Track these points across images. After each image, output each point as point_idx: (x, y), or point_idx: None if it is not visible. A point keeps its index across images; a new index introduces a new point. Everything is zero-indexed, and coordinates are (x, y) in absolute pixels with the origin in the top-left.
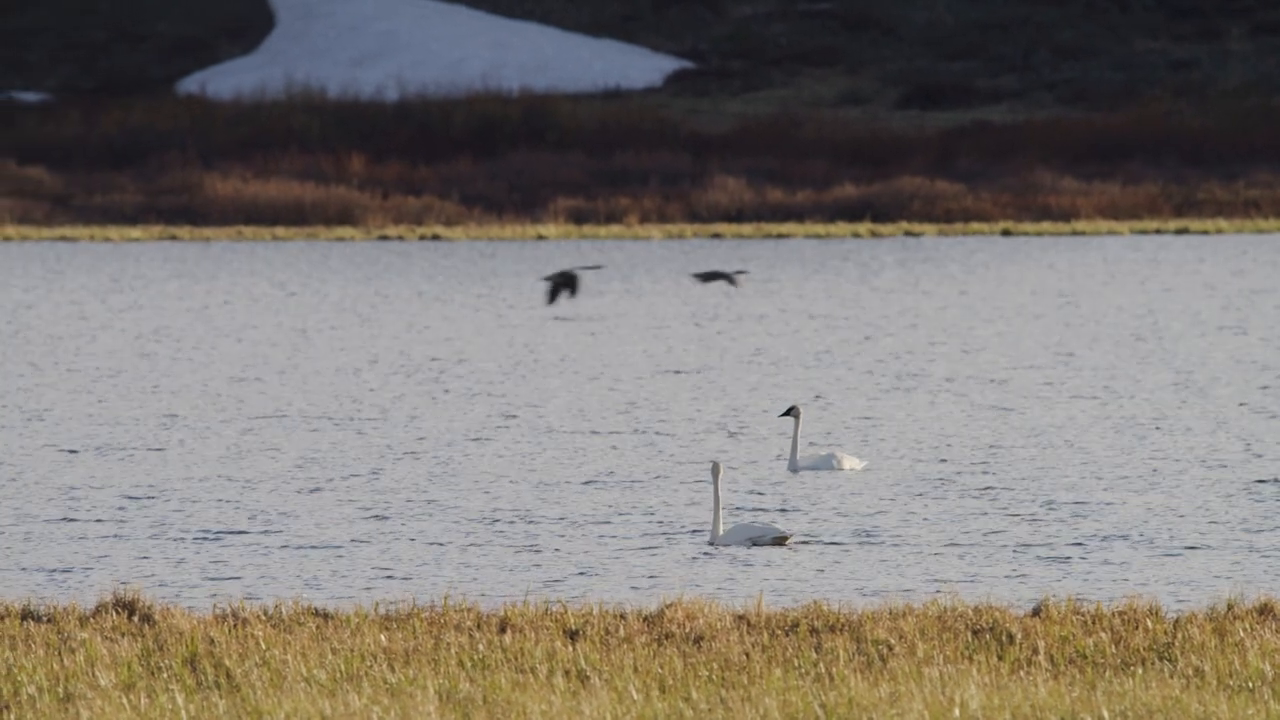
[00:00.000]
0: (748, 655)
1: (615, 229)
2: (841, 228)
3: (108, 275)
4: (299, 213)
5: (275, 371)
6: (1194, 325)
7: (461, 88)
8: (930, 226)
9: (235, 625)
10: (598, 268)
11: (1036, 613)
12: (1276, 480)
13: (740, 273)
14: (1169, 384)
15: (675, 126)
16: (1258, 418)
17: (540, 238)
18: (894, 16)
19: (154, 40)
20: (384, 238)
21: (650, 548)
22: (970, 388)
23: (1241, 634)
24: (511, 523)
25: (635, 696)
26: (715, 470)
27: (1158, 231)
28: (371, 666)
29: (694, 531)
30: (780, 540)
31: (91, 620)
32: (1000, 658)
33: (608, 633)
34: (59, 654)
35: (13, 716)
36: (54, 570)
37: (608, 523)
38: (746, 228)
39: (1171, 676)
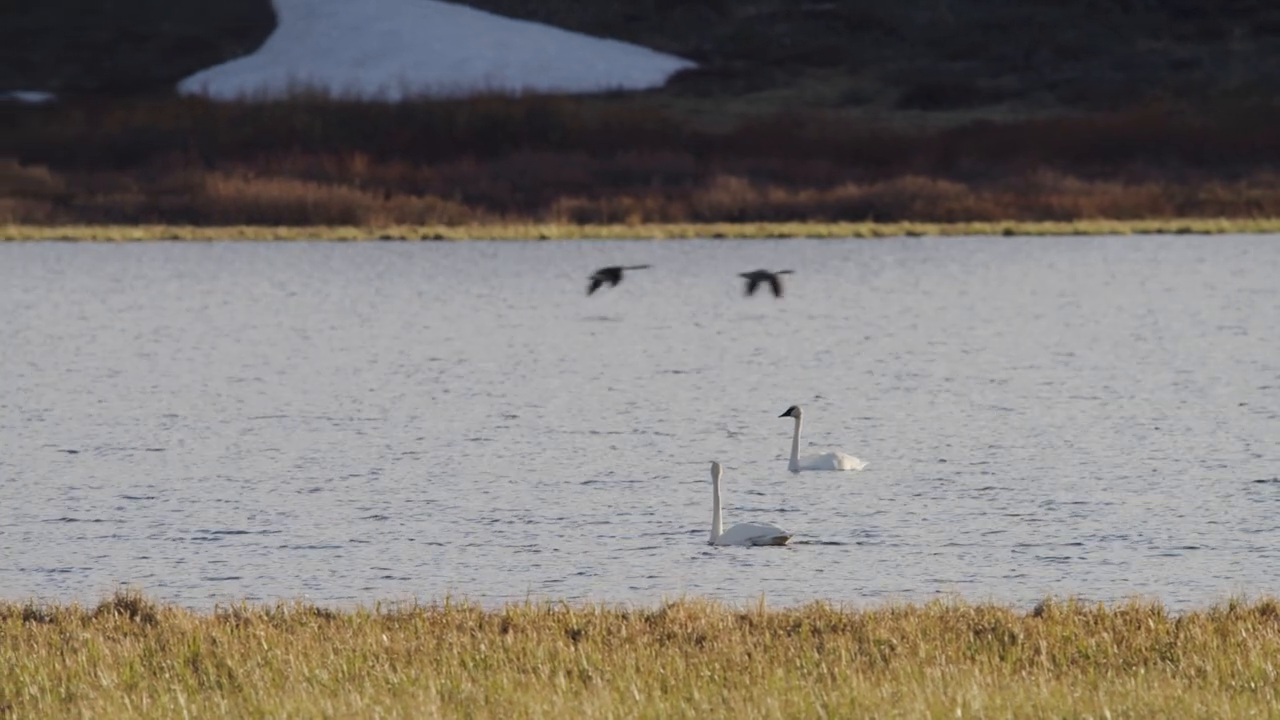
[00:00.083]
0: (750, 655)
1: (618, 229)
2: (844, 228)
3: (109, 275)
4: (301, 213)
5: (275, 371)
6: (1194, 325)
7: (464, 88)
8: (932, 226)
9: (237, 625)
10: (645, 267)
11: (1038, 613)
12: (1276, 480)
13: (786, 272)
14: (1169, 384)
15: (678, 126)
16: (1258, 418)
17: (543, 238)
18: (896, 16)
19: (157, 40)
20: (386, 238)
21: (650, 548)
22: (970, 388)
23: (1244, 634)
24: (511, 523)
25: (637, 697)
26: (715, 470)
27: (1159, 231)
28: (373, 666)
29: (694, 531)
30: (780, 540)
31: (93, 620)
32: (1002, 658)
33: (610, 633)
34: (61, 654)
35: (15, 717)
36: (55, 570)
37: (608, 523)
38: (749, 228)
39: (1174, 676)
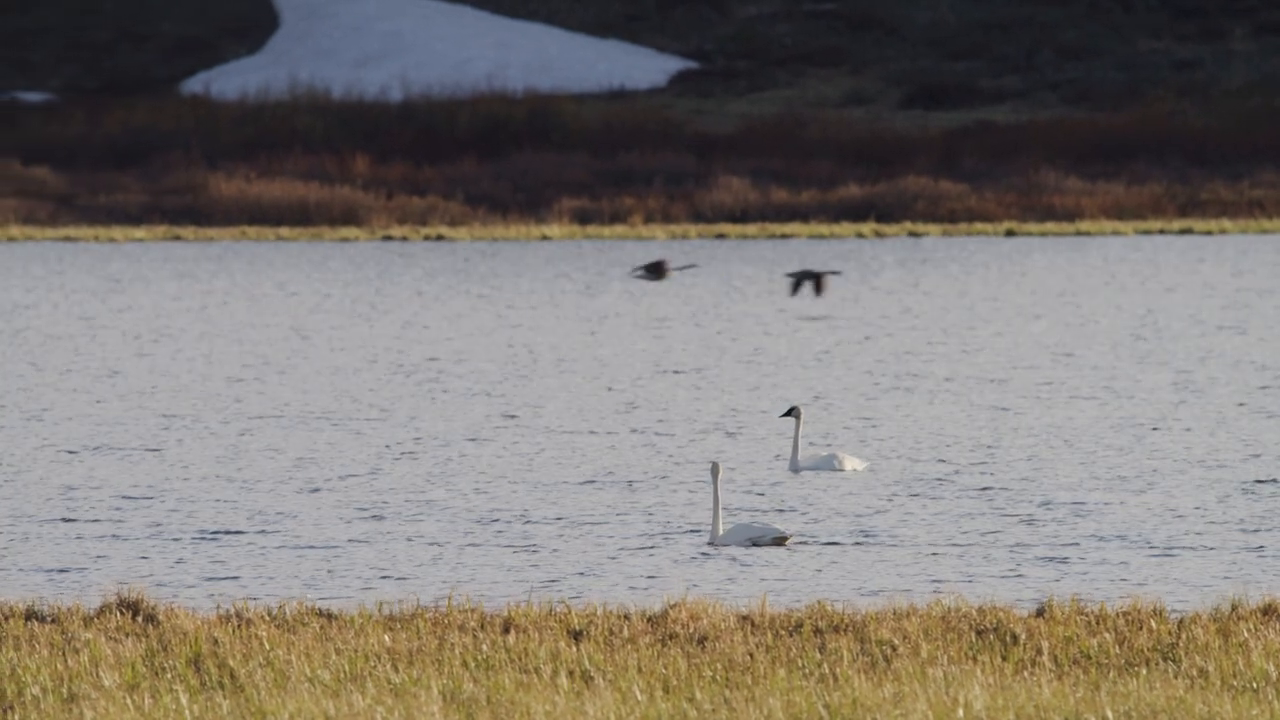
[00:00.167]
0: (752, 656)
1: (620, 229)
2: (846, 228)
3: (110, 275)
4: (303, 213)
5: (275, 371)
6: (1195, 325)
7: (466, 88)
8: (934, 227)
9: (239, 626)
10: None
11: (1040, 613)
12: (1276, 480)
13: (833, 273)
14: (1169, 384)
15: (680, 127)
16: (1258, 418)
17: (545, 238)
18: (898, 16)
19: (158, 40)
20: (388, 238)
21: (650, 548)
22: (971, 388)
23: (1245, 634)
24: (511, 523)
25: (639, 697)
26: (715, 470)
27: (1161, 232)
28: (375, 667)
29: (694, 531)
30: (780, 540)
31: (95, 621)
32: (1004, 658)
33: (612, 633)
34: (63, 654)
35: (17, 717)
36: (57, 570)
37: (608, 523)
38: (751, 228)
39: (1175, 677)
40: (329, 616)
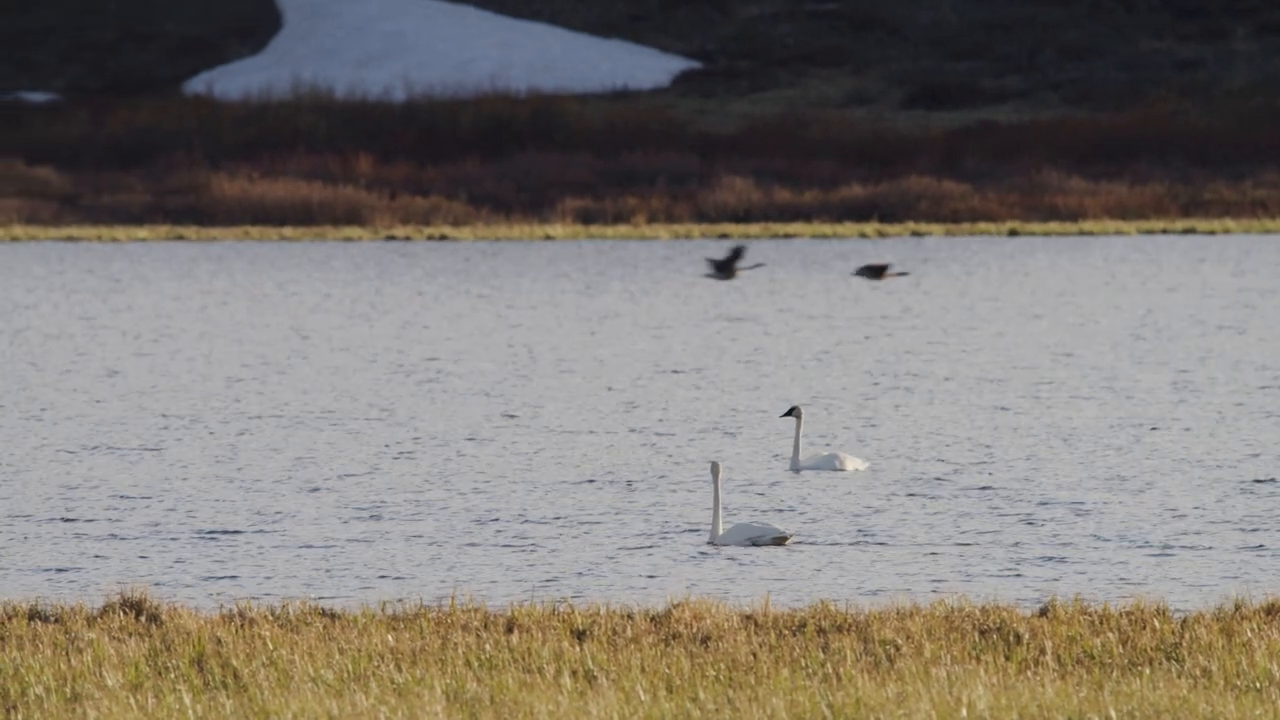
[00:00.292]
0: (755, 655)
1: (623, 229)
2: (848, 228)
3: (112, 275)
4: (306, 213)
5: (276, 371)
6: (1195, 325)
7: (469, 88)
8: (937, 226)
9: (242, 625)
10: (905, 274)
11: (1044, 613)
12: (1276, 480)
13: (901, 274)
14: (1169, 384)
15: (682, 127)
16: (1258, 418)
17: (548, 238)
18: (900, 16)
19: (161, 40)
20: (391, 238)
21: (650, 548)
22: (971, 388)
23: (1249, 634)
24: (511, 522)
25: (643, 697)
26: (715, 470)
27: (1164, 232)
28: (379, 666)
29: (694, 531)
30: (780, 540)
31: (99, 620)
32: (1007, 658)
33: (615, 633)
34: (66, 654)
35: (20, 716)
36: (60, 570)
37: (608, 523)
38: (754, 228)
39: (1179, 677)
40: (332, 616)
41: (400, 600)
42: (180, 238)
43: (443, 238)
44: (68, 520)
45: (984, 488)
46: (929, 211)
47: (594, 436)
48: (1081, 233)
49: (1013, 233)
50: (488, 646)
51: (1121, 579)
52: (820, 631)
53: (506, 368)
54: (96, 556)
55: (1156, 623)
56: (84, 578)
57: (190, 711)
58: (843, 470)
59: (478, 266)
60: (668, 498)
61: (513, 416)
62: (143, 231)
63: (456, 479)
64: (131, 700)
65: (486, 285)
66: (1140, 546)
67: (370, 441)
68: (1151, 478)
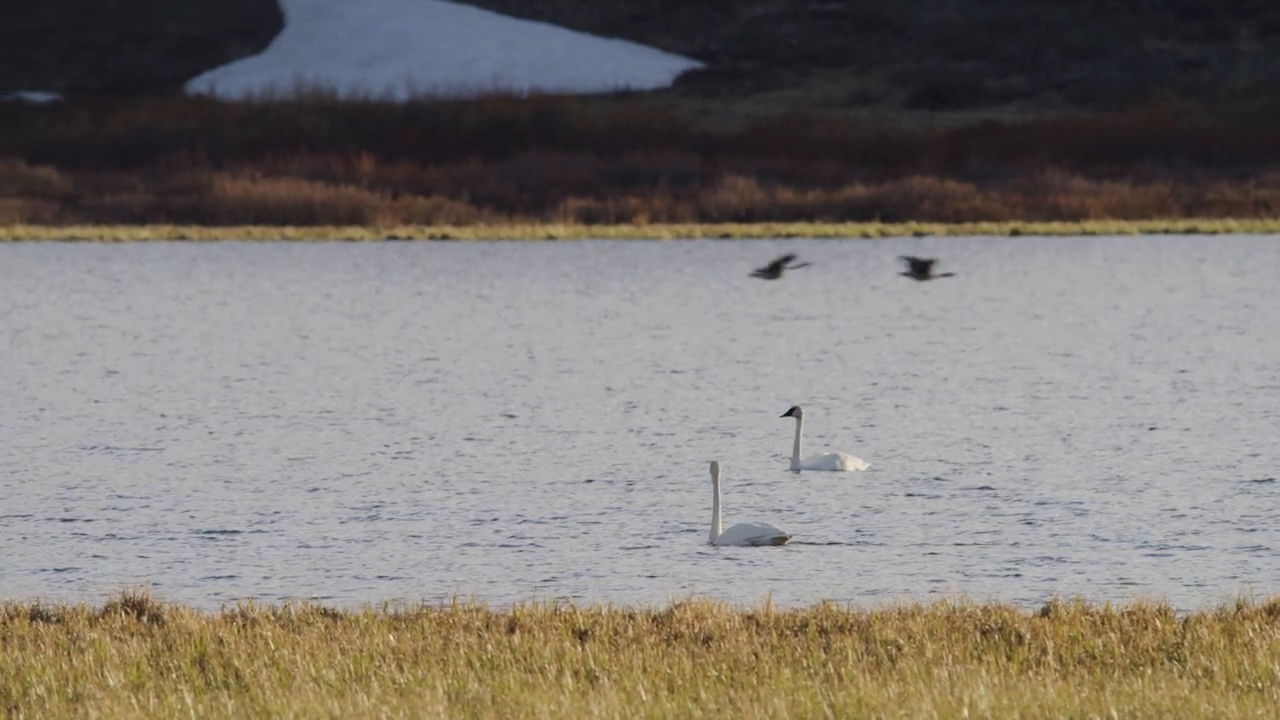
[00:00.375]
0: (756, 655)
1: (625, 229)
2: (851, 228)
3: (114, 275)
4: (308, 213)
5: (276, 371)
6: (1196, 325)
7: (471, 88)
8: (940, 226)
9: (244, 625)
10: (806, 264)
11: (1045, 613)
12: (1276, 480)
13: (947, 274)
14: (1169, 383)
15: (685, 127)
16: (1258, 418)
17: (550, 238)
18: (903, 16)
19: (162, 40)
20: (393, 238)
21: (650, 548)
22: (971, 388)
23: (1251, 634)
24: (510, 522)
25: (644, 697)
26: (714, 470)
27: (1167, 232)
28: (380, 667)
29: (694, 531)
30: (780, 540)
31: (100, 620)
32: (1009, 658)
33: (617, 633)
34: (68, 654)
35: (22, 716)
36: (62, 570)
37: (608, 523)
38: (756, 228)
39: (1180, 677)
40: (334, 616)
41: (402, 600)
42: (182, 238)
43: (445, 238)
44: (69, 520)
45: (984, 488)
46: (932, 212)
47: (594, 436)
48: (1084, 233)
49: (1015, 233)
50: (489, 647)
51: (1121, 579)
52: (822, 631)
53: (506, 368)
54: (98, 557)
55: (1158, 623)
56: (85, 578)
57: (192, 711)
58: (843, 470)
59: (478, 266)
60: (667, 498)
61: (512, 416)
62: (145, 232)
63: (456, 479)
64: (133, 700)
65: (486, 285)
66: (1140, 547)
67: (370, 441)
68: (1151, 477)
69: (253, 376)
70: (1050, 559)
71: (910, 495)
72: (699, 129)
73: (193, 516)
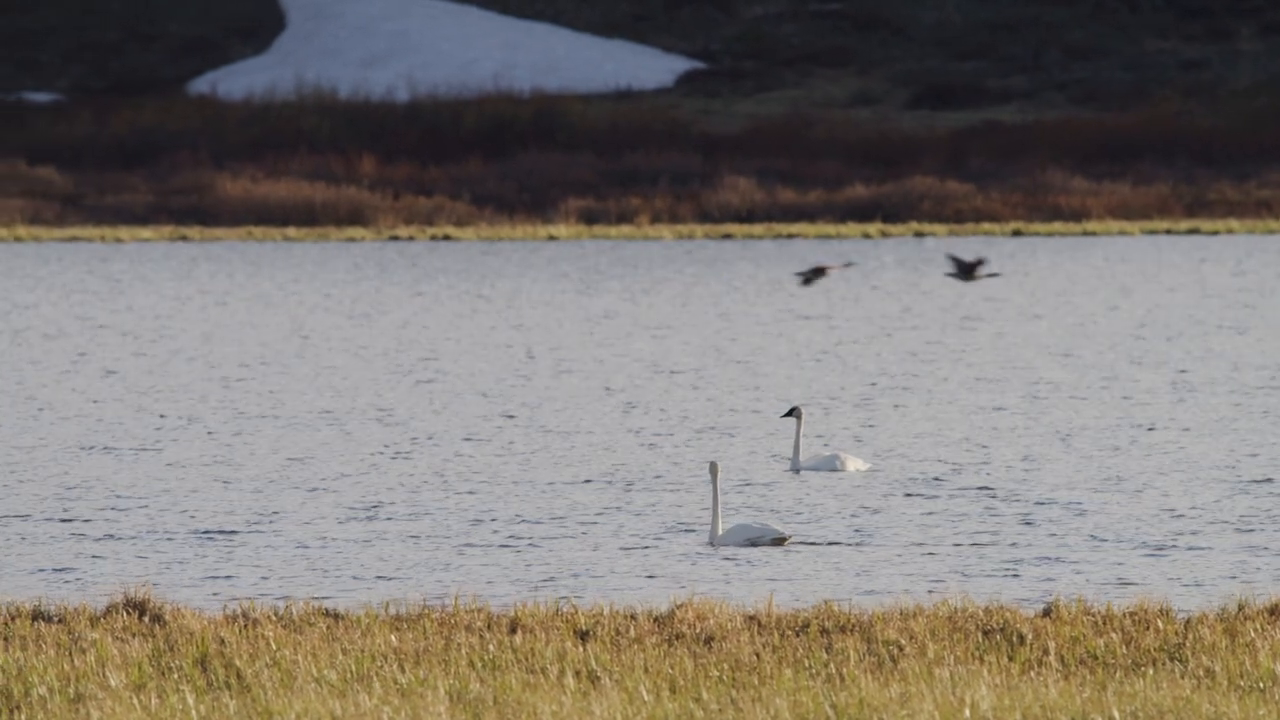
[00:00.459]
0: (758, 656)
1: (626, 229)
2: (852, 228)
3: (114, 275)
4: (310, 213)
5: (276, 371)
6: (1196, 325)
7: (472, 88)
8: (941, 227)
9: (246, 626)
10: (851, 264)
11: (1047, 613)
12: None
13: (993, 274)
14: (1169, 383)
15: (686, 127)
16: (1259, 418)
17: (551, 238)
18: (904, 17)
19: (165, 40)
20: (395, 238)
21: (649, 548)
22: (971, 388)
23: (1252, 634)
24: (510, 523)
25: (646, 697)
26: (714, 470)
27: (1168, 232)
28: (382, 667)
29: (693, 532)
30: (779, 541)
31: (102, 620)
32: (1011, 658)
33: (618, 633)
34: (70, 654)
35: (24, 717)
36: (64, 571)
37: (607, 523)
38: (757, 228)
39: (1182, 677)
40: (335, 616)
41: (403, 601)
42: (184, 238)
43: (446, 238)
44: (71, 521)
45: (984, 488)
46: (933, 212)
47: (593, 436)
48: (1085, 233)
49: (1016, 233)
50: (491, 647)
51: (1121, 579)
52: (824, 632)
53: (506, 368)
54: (98, 557)
55: (1160, 623)
56: (87, 578)
57: (193, 712)
58: (843, 471)
59: (478, 267)
60: (667, 498)
61: (511, 416)
62: (146, 232)
63: (455, 479)
64: (135, 700)
65: (487, 285)
66: (1140, 547)
67: (369, 441)
68: (1151, 477)
69: (252, 376)
70: (1050, 559)
71: (910, 495)
72: (700, 129)
73: (192, 516)
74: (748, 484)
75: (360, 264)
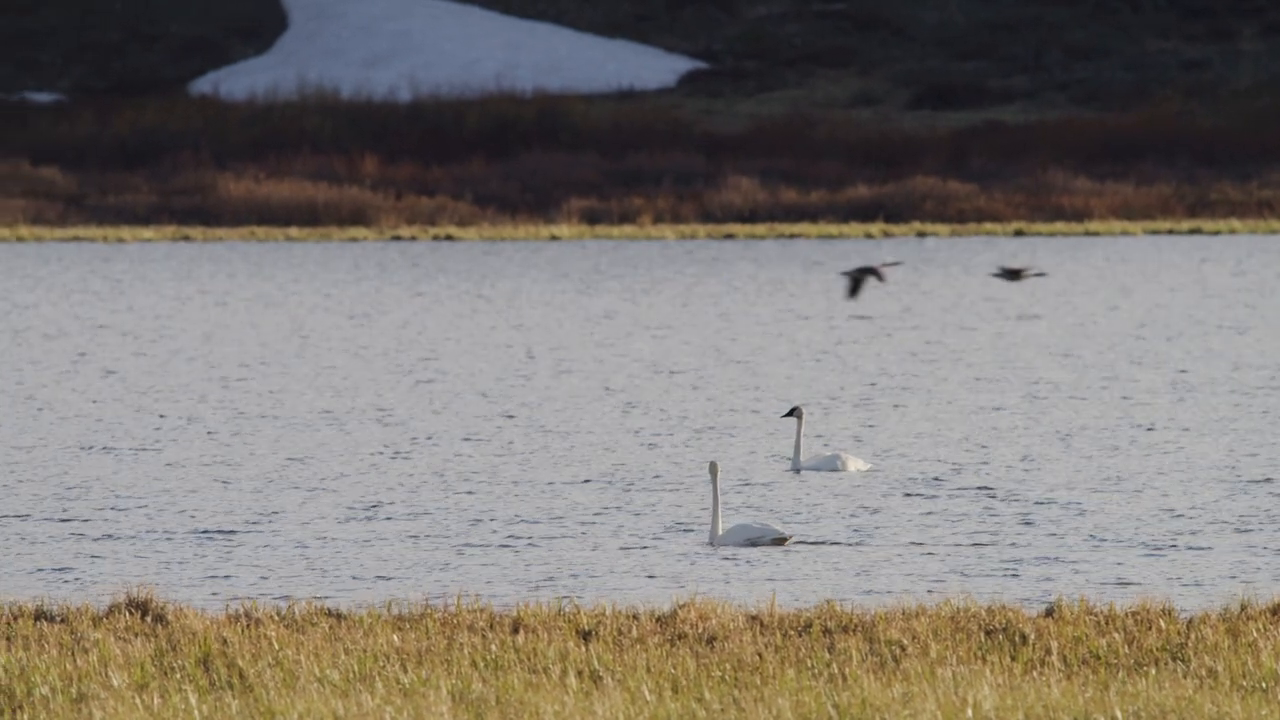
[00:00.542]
0: (761, 656)
1: (628, 229)
2: (854, 228)
3: (115, 275)
4: (312, 213)
5: (277, 371)
6: (1196, 325)
7: (475, 88)
8: (943, 227)
9: (248, 625)
10: (898, 264)
11: (1049, 613)
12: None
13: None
14: (1169, 383)
15: (689, 127)
16: (1260, 417)
17: (553, 238)
18: (906, 17)
19: (166, 40)
20: (397, 238)
21: (649, 548)
22: (971, 388)
23: (1255, 634)
24: (510, 523)
25: (648, 697)
26: (714, 470)
27: (1170, 232)
28: (384, 667)
29: (693, 532)
30: (780, 541)
31: (104, 620)
32: (1013, 658)
33: (621, 633)
34: (72, 654)
35: (26, 716)
36: (66, 571)
37: (607, 523)
38: (760, 228)
39: (1185, 677)
40: (338, 616)
41: (406, 601)
42: (186, 238)
43: (448, 238)
44: (71, 521)
45: (984, 488)
46: (935, 212)
47: (593, 436)
48: (1087, 233)
49: (1019, 233)
50: (493, 647)
51: (1121, 579)
52: (826, 632)
53: (506, 368)
54: (100, 557)
55: (1162, 623)
56: (87, 578)
57: (196, 712)
58: (844, 471)
59: (479, 267)
60: (667, 498)
61: (511, 416)
62: (148, 232)
63: (455, 479)
64: (137, 700)
65: (487, 285)
66: (1140, 547)
67: (369, 441)
68: (1151, 477)
69: (252, 376)
70: (1050, 559)
71: (910, 495)
72: (702, 129)
73: (192, 516)
74: (748, 484)
75: (360, 264)
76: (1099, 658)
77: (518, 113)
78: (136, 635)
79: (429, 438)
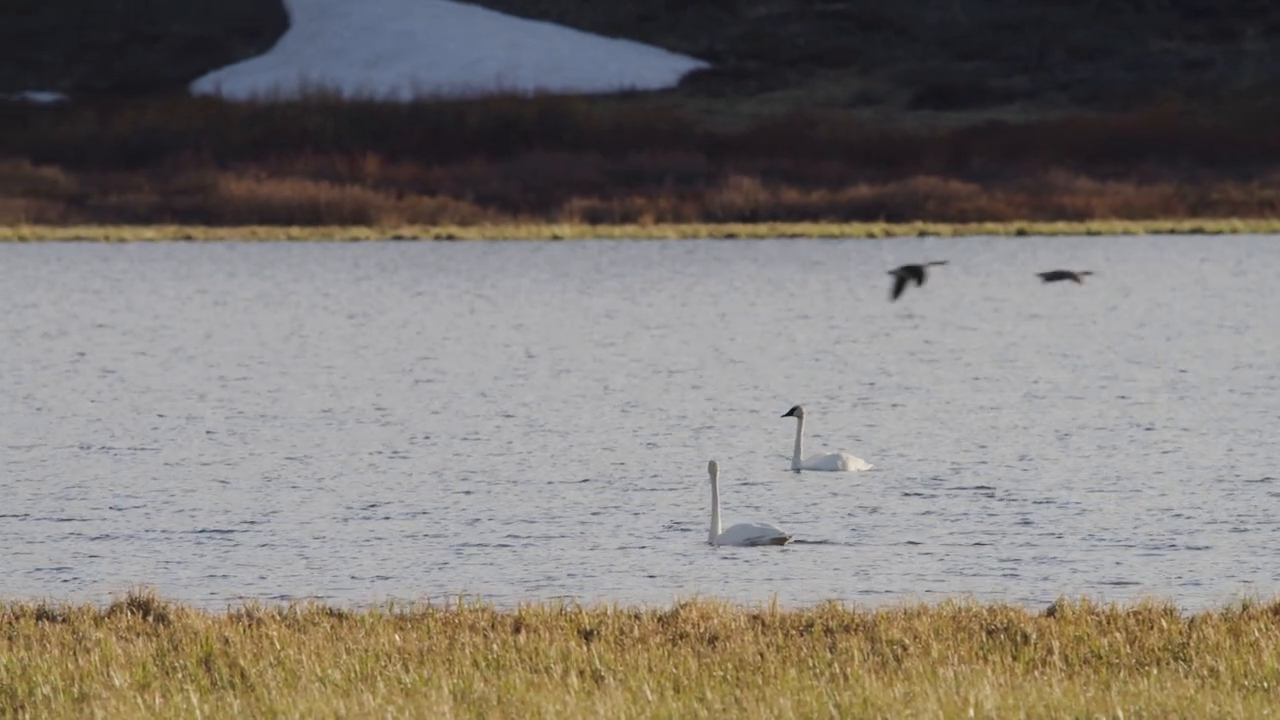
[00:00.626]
0: (762, 655)
1: (630, 229)
2: (856, 228)
3: (116, 275)
4: (313, 213)
5: (276, 371)
6: (1196, 325)
7: (476, 88)
8: (945, 227)
9: (250, 625)
10: (944, 263)
11: (1051, 613)
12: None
13: (1086, 273)
14: (1169, 383)
15: (690, 127)
16: (1260, 417)
17: (555, 238)
18: (908, 17)
19: (168, 40)
20: (398, 238)
21: (649, 548)
22: (971, 388)
23: (1256, 634)
24: (509, 523)
25: (650, 696)
26: (713, 470)
27: (1171, 232)
28: (386, 667)
29: (692, 532)
30: (779, 540)
31: (106, 620)
32: (1015, 658)
33: (622, 633)
34: (74, 654)
35: (28, 716)
36: (67, 570)
37: (607, 523)
38: (761, 228)
39: (1186, 676)
40: (339, 616)
41: (407, 600)
42: (187, 238)
43: (450, 238)
44: (71, 520)
45: (983, 488)
46: (936, 212)
47: (592, 436)
48: (1089, 233)
49: (1020, 233)
50: (495, 646)
51: (1121, 579)
52: (827, 631)
53: (505, 367)
54: (102, 557)
55: (1164, 623)
56: (89, 578)
57: (197, 711)
58: (844, 470)
59: (480, 266)
60: (666, 498)
61: (510, 416)
62: (150, 232)
63: (455, 479)
64: (139, 700)
65: (487, 285)
66: (1140, 546)
67: (368, 441)
68: (1150, 477)
69: (252, 376)
70: (1050, 559)
71: (910, 495)
72: (704, 129)
73: (192, 516)
74: (747, 484)
75: (361, 264)
76: (1100, 657)
77: (519, 112)
78: (138, 635)
79: (428, 437)
